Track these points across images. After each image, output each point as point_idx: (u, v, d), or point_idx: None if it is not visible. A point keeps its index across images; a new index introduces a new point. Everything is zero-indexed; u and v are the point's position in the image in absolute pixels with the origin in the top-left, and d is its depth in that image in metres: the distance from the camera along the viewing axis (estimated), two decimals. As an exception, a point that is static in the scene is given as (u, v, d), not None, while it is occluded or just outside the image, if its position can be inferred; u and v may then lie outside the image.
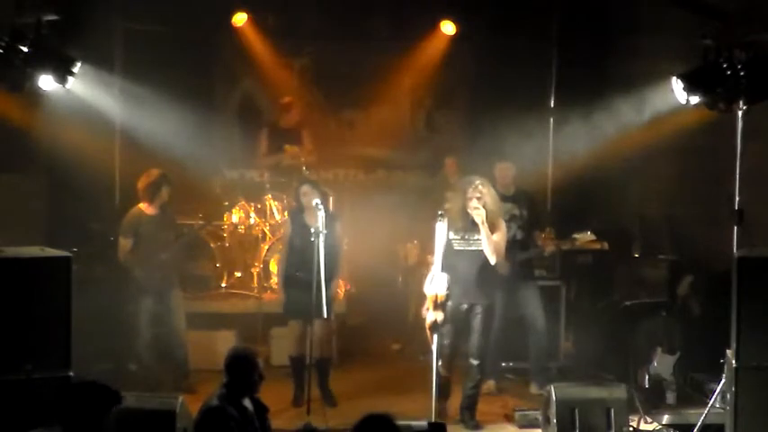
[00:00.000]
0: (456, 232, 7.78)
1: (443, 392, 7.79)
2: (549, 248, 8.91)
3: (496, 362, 9.00)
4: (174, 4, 10.71)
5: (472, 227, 7.73)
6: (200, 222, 10.04)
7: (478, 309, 7.85)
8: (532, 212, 9.00)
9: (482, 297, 7.86)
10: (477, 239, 7.75)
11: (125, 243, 8.77)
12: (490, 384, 8.86)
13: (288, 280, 8.45)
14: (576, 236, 8.85)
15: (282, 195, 10.76)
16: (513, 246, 8.75)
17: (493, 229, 7.76)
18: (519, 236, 8.86)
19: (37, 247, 6.94)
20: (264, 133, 11.08)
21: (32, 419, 6.18)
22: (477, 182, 7.80)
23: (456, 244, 7.77)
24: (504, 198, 8.78)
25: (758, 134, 7.83)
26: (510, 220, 8.80)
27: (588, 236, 8.81)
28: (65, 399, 5.06)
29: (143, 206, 8.85)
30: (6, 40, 6.96)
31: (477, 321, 7.86)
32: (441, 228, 7.47)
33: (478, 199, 7.70)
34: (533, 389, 8.87)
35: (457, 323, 7.74)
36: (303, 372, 8.28)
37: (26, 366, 6.46)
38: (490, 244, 7.71)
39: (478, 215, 7.66)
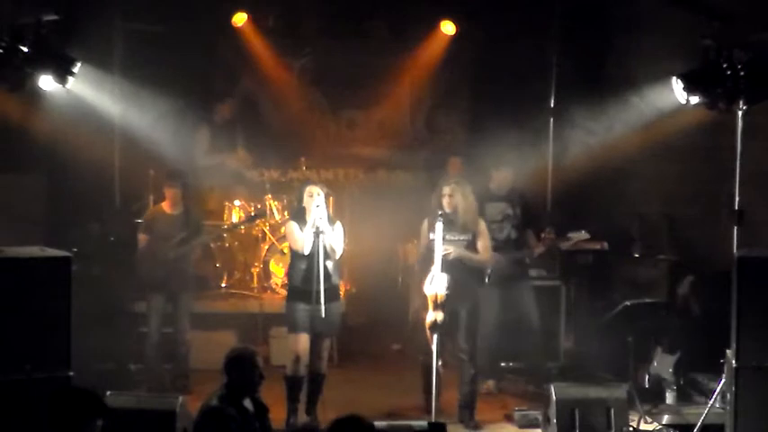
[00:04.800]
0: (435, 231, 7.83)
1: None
2: (538, 250, 8.91)
3: (496, 362, 9.01)
4: (174, 4, 10.72)
5: (451, 225, 7.71)
6: (225, 226, 10.11)
7: (462, 309, 7.82)
8: (526, 212, 9.00)
9: (466, 297, 7.82)
10: (460, 240, 7.79)
11: (142, 238, 8.90)
12: (490, 384, 8.88)
13: (295, 291, 7.87)
14: (571, 234, 8.86)
15: (282, 195, 10.77)
16: (507, 245, 8.77)
17: (469, 230, 7.85)
18: (513, 235, 8.86)
19: (37, 247, 6.93)
20: (204, 132, 11.04)
21: (32, 419, 6.20)
22: (453, 182, 7.93)
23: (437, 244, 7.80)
24: (497, 198, 8.84)
25: (758, 134, 7.84)
26: (503, 219, 8.82)
27: (582, 234, 8.83)
28: (53, 403, 5.04)
29: (164, 204, 8.92)
30: (6, 40, 6.96)
31: (462, 321, 7.85)
32: (439, 227, 7.48)
33: (450, 197, 7.81)
34: (531, 388, 8.88)
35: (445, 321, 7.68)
36: (299, 393, 7.87)
37: (26, 366, 6.46)
38: (484, 249, 7.86)
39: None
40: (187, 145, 10.59)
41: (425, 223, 8.03)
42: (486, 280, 8.62)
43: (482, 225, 8.05)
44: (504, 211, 8.83)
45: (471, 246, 7.94)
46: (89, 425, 4.97)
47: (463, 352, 8.01)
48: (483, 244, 7.99)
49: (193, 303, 9.10)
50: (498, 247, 8.73)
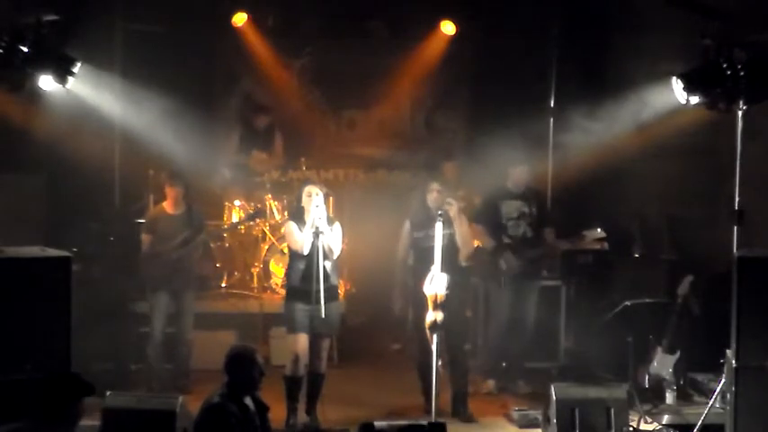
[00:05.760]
0: (420, 229, 7.95)
1: (427, 380, 7.72)
2: (565, 246, 8.96)
3: (498, 362, 9.01)
4: (174, 4, 10.71)
5: (431, 222, 7.71)
6: (225, 226, 10.10)
7: (452, 305, 7.76)
8: (541, 210, 9.02)
9: (453, 294, 7.79)
10: (444, 233, 7.77)
11: (145, 238, 8.91)
12: (490, 384, 8.88)
13: (293, 291, 7.87)
14: (585, 233, 8.85)
15: (282, 195, 10.77)
16: (523, 243, 8.79)
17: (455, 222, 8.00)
18: (529, 233, 8.89)
19: (37, 247, 6.94)
20: (237, 132, 11.11)
21: (32, 419, 6.20)
22: (437, 182, 8.20)
23: (422, 241, 7.89)
24: (513, 196, 8.89)
25: (758, 134, 7.84)
26: (519, 217, 8.86)
27: (598, 233, 8.81)
28: (38, 389, 5.05)
29: (165, 204, 8.93)
30: (6, 40, 6.97)
31: (452, 318, 7.79)
32: (438, 228, 7.48)
33: (439, 192, 7.98)
34: (522, 388, 8.89)
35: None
36: (299, 393, 7.85)
37: (26, 366, 6.46)
38: (461, 235, 7.95)
39: (450, 207, 7.88)
40: (212, 148, 10.61)
41: (407, 224, 8.20)
42: (502, 283, 8.68)
43: (463, 217, 8.19)
44: (520, 209, 8.87)
45: (454, 239, 8.04)
46: (74, 405, 4.98)
47: (455, 348, 8.07)
48: (465, 226, 8.13)
49: (196, 302, 9.10)
50: (513, 245, 8.77)
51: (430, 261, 7.47)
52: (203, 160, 10.69)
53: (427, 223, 7.79)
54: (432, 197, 8.05)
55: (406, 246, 8.28)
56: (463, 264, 8.16)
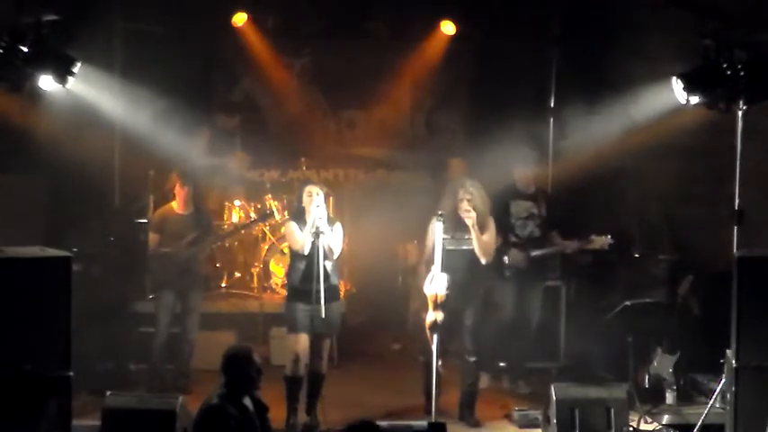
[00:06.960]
0: (446, 232, 7.84)
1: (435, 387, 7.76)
2: (574, 247, 8.95)
3: (495, 360, 9.02)
4: (174, 4, 10.71)
5: (462, 227, 7.82)
6: (228, 228, 10.08)
7: (467, 308, 7.88)
8: (549, 212, 9.03)
9: (470, 297, 7.90)
10: (468, 239, 7.85)
11: (153, 237, 8.91)
12: (483, 379, 8.88)
13: (294, 291, 7.88)
14: (594, 237, 8.87)
15: (282, 195, 10.78)
16: (529, 243, 8.82)
17: (482, 229, 7.91)
18: (536, 233, 8.91)
19: (37, 247, 6.94)
20: (205, 133, 11.15)
21: (32, 419, 6.21)
22: (468, 184, 7.95)
23: (447, 243, 7.79)
24: (523, 196, 8.93)
25: (758, 134, 7.83)
26: (528, 217, 8.89)
27: (607, 239, 8.83)
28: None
29: (174, 204, 8.93)
30: (6, 40, 6.97)
31: (468, 319, 7.90)
32: (438, 228, 7.48)
33: (469, 201, 7.86)
34: (522, 388, 8.88)
35: (448, 321, 7.68)
36: (299, 393, 7.84)
37: (26, 366, 6.47)
38: (481, 245, 7.87)
39: (469, 218, 7.82)
40: (186, 144, 10.60)
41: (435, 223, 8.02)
42: (506, 276, 8.68)
43: (491, 222, 8.09)
44: (530, 210, 8.92)
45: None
46: (46, 406, 4.99)
47: (468, 353, 8.03)
48: (489, 236, 8.04)
49: (202, 302, 9.11)
50: (520, 244, 8.78)
51: (447, 264, 7.48)
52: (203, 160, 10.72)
53: (454, 227, 7.80)
54: (462, 207, 7.92)
55: (433, 244, 8.19)
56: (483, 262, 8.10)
